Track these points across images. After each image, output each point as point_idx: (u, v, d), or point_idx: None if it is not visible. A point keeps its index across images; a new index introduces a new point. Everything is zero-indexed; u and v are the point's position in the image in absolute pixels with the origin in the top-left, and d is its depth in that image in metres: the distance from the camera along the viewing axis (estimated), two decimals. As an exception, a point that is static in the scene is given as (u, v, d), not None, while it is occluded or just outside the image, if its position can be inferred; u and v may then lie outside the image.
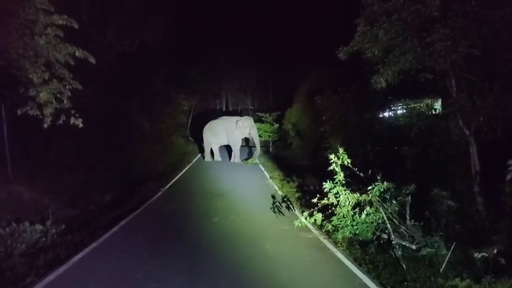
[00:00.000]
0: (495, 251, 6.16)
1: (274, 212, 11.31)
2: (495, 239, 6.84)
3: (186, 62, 35.24)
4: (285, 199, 12.90)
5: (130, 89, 20.79)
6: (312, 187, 13.54)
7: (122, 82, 19.72)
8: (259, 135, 27.09)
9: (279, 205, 11.93)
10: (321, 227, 8.95)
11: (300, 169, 19.09)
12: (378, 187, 7.59)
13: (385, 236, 7.72)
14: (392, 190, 7.74)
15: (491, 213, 8.24)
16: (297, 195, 13.50)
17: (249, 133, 24.95)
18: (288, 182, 16.36)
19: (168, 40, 28.07)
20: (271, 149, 30.74)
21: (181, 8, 30.40)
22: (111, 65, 18.85)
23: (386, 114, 17.51)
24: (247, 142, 27.19)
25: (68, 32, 9.12)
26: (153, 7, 24.84)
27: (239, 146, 25.31)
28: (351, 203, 7.85)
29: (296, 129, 29.05)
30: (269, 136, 31.27)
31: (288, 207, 11.81)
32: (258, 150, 25.57)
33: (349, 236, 8.11)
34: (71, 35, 9.23)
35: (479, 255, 6.23)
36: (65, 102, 9.14)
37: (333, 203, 8.02)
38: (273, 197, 13.33)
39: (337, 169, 8.06)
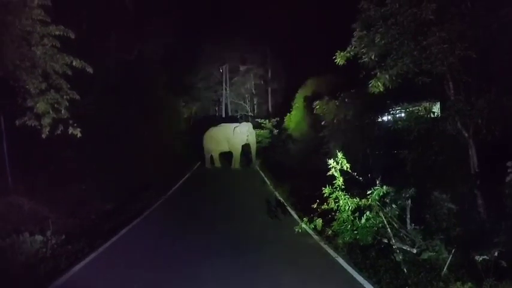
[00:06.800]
0: (496, 253, 6.13)
1: (273, 217, 11.29)
2: (496, 241, 6.75)
3: (185, 70, 35.33)
4: (285, 204, 12.86)
5: (130, 97, 20.81)
6: (313, 192, 13.51)
7: (122, 90, 19.74)
8: (259, 141, 27.16)
9: (279, 210, 11.89)
10: (321, 233, 8.92)
11: (300, 174, 19.02)
12: (377, 191, 7.56)
13: (386, 241, 7.69)
14: (392, 194, 7.72)
15: (491, 215, 8.18)
16: (297, 200, 13.46)
17: (247, 139, 25.03)
18: (289, 187, 16.31)
19: (167, 48, 28.16)
20: (270, 154, 30.72)
21: (179, 17, 30.52)
22: (110, 73, 18.89)
23: (385, 118, 17.48)
24: (245, 148, 27.21)
25: (67, 41, 9.15)
26: (153, 16, 24.97)
27: (239, 153, 25.41)
28: (350, 208, 7.83)
29: (295, 135, 28.98)
30: (269, 142, 31.25)
31: (289, 213, 11.77)
32: (254, 157, 25.75)
33: (349, 241, 8.08)
34: (69, 44, 9.25)
35: (481, 258, 6.20)
36: (62, 112, 9.16)
37: (332, 208, 8.00)
38: (275, 203, 13.29)
39: (336, 174, 8.03)
